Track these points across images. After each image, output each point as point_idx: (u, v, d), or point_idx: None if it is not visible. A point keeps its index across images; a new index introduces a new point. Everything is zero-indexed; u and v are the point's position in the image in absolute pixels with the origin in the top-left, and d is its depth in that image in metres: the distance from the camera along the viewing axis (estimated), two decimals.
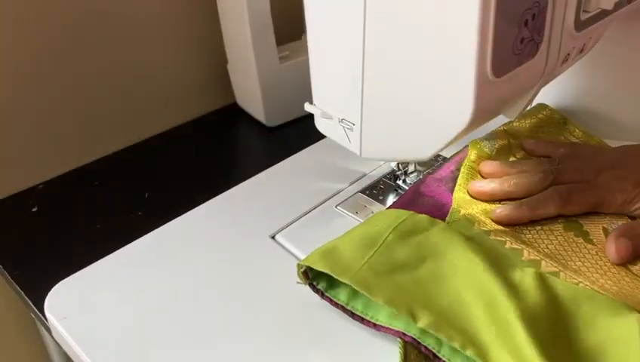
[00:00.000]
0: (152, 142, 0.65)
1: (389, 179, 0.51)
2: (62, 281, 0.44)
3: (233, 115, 0.69)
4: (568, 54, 0.37)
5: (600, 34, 0.40)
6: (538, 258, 0.39)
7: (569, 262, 0.39)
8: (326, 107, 0.38)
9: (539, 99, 0.39)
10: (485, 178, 0.46)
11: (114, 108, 0.63)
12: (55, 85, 0.58)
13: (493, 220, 0.42)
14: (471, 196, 0.45)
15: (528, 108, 0.39)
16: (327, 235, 0.41)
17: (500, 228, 0.42)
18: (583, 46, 0.39)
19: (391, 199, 0.49)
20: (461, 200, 0.44)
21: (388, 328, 0.37)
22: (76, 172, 0.61)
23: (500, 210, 0.43)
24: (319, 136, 0.42)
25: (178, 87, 0.67)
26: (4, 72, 0.54)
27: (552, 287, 0.37)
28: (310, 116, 0.40)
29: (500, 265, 0.38)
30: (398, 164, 0.50)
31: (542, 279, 0.38)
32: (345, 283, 0.37)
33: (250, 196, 0.52)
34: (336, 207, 0.49)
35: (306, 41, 0.37)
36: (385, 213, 0.42)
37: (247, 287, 0.42)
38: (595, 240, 0.41)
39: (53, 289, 0.43)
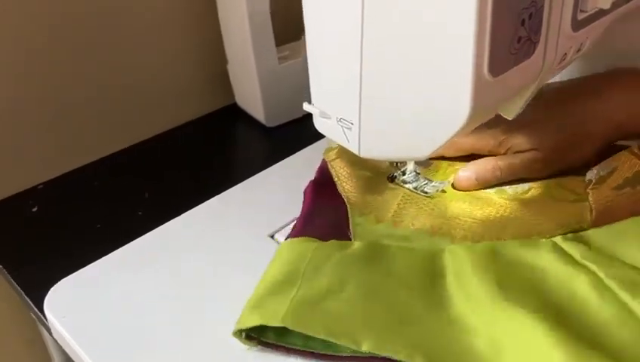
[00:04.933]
0: (152, 142, 0.65)
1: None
2: (61, 280, 0.44)
3: (233, 115, 0.69)
4: (565, 54, 0.37)
5: (597, 34, 0.41)
6: (442, 229, 0.44)
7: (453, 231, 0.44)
8: (324, 107, 0.38)
9: None
10: None
11: (114, 108, 0.63)
12: (55, 85, 0.58)
13: (456, 187, 0.47)
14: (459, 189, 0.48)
15: None
16: None
17: (398, 214, 0.45)
18: (581, 45, 0.39)
19: None
20: (357, 202, 0.47)
21: (355, 357, 0.36)
22: (76, 172, 0.61)
23: (460, 176, 0.48)
24: (319, 136, 0.42)
25: (178, 87, 0.68)
26: (4, 72, 0.55)
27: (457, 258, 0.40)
28: (310, 116, 0.40)
29: (415, 254, 0.41)
30: (396, 163, 0.50)
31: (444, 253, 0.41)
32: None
33: (250, 196, 0.52)
34: None
35: (305, 42, 0.37)
36: (293, 247, 0.42)
37: (247, 287, 0.42)
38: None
39: (52, 288, 0.43)
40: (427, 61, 0.32)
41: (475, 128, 0.40)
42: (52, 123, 0.59)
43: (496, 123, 0.44)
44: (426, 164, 0.50)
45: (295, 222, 0.46)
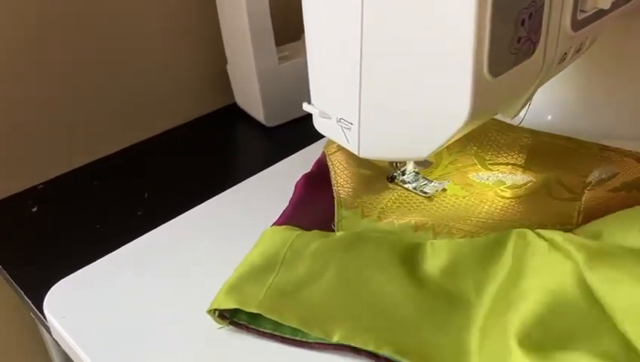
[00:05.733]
0: (152, 142, 0.65)
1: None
2: (61, 281, 0.44)
3: (232, 115, 0.69)
4: (565, 54, 0.37)
5: (597, 33, 0.41)
6: (427, 224, 0.43)
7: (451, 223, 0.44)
8: (324, 107, 0.38)
9: (536, 99, 0.39)
10: None
11: (113, 108, 0.63)
12: (55, 85, 0.58)
13: None
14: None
15: (525, 108, 0.39)
16: None
17: (384, 211, 0.46)
18: (580, 45, 0.39)
19: None
20: (346, 196, 0.47)
21: (323, 344, 0.37)
22: (76, 172, 0.61)
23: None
24: (318, 136, 0.42)
25: (177, 87, 0.68)
26: (4, 72, 0.55)
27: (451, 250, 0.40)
28: (310, 116, 0.40)
29: (396, 244, 0.41)
30: (395, 163, 0.50)
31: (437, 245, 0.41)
32: None
33: (250, 196, 0.52)
34: None
35: (305, 42, 0.37)
36: (275, 234, 0.43)
37: None
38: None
39: (52, 288, 0.43)
40: (427, 61, 0.32)
41: None
42: (52, 123, 0.59)
43: None
44: (425, 165, 0.50)
45: (281, 212, 0.46)
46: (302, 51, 0.41)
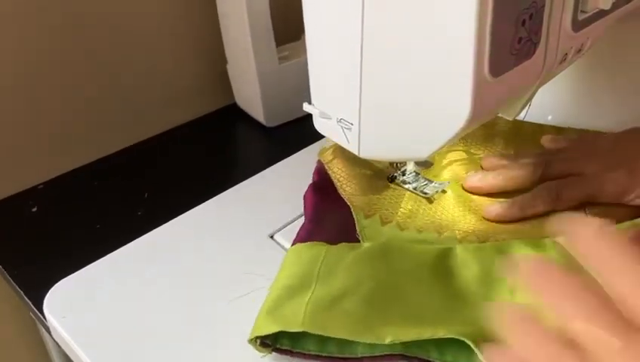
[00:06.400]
0: (152, 142, 0.65)
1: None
2: (61, 281, 0.44)
3: (232, 115, 0.69)
4: (566, 54, 0.37)
5: (598, 34, 0.40)
6: (453, 235, 0.43)
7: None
8: (324, 107, 0.38)
9: (536, 99, 0.39)
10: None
11: (114, 108, 0.63)
12: (55, 85, 0.58)
13: (484, 216, 0.45)
14: (465, 190, 0.47)
15: (526, 109, 0.39)
16: None
17: (407, 216, 0.45)
18: (581, 46, 0.39)
19: None
20: (360, 204, 0.46)
21: (372, 357, 0.36)
22: (76, 172, 0.61)
23: (493, 208, 0.44)
24: (318, 137, 0.42)
25: (177, 87, 0.68)
26: (4, 72, 0.55)
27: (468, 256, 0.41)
28: (310, 116, 0.40)
29: (426, 251, 0.41)
30: (395, 163, 0.50)
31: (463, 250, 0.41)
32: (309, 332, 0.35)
33: (250, 196, 0.52)
34: None
35: (305, 42, 0.37)
36: (302, 252, 0.42)
37: (247, 287, 0.42)
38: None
39: (52, 288, 0.43)
40: (427, 61, 0.32)
41: (590, 170, 0.41)
42: (52, 123, 0.59)
43: (613, 166, 0.42)
44: (426, 165, 0.50)
45: (299, 229, 0.45)
46: (302, 51, 0.41)
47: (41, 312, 0.43)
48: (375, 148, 0.37)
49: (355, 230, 0.44)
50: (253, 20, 0.58)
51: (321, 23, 0.35)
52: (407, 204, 0.47)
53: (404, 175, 0.49)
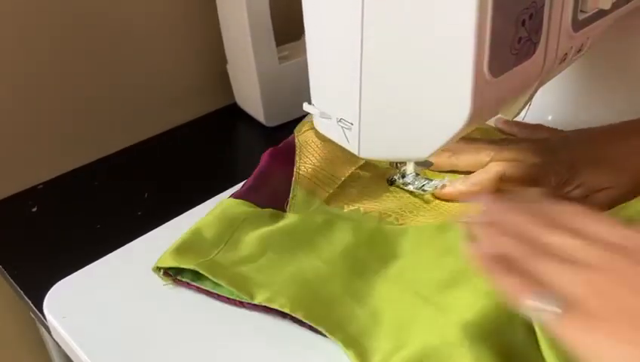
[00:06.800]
0: (152, 142, 0.65)
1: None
2: (61, 281, 0.44)
3: (233, 115, 0.69)
4: (566, 54, 0.37)
5: (598, 34, 0.40)
6: (374, 212, 0.46)
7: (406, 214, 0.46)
8: (324, 107, 0.38)
9: (536, 99, 0.39)
10: None
11: (114, 108, 0.63)
12: (55, 85, 0.58)
13: (438, 196, 0.48)
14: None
15: (526, 108, 0.39)
16: None
17: (340, 196, 0.48)
18: (581, 46, 0.39)
19: None
20: (303, 176, 0.48)
21: (253, 304, 0.40)
22: (76, 172, 0.61)
23: (447, 188, 0.47)
24: None
25: (178, 87, 0.68)
26: (5, 72, 0.55)
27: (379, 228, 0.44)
28: None
29: (334, 224, 0.44)
30: (396, 163, 0.50)
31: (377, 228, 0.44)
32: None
33: None
34: None
35: (305, 42, 0.37)
36: (230, 207, 0.46)
37: None
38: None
39: (52, 288, 0.43)
40: (427, 61, 0.32)
41: (534, 164, 0.43)
42: (52, 123, 0.59)
43: (556, 160, 0.44)
44: (426, 165, 0.50)
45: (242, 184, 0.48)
46: (302, 51, 0.41)
47: (41, 312, 0.43)
48: (375, 148, 0.37)
49: (287, 198, 0.47)
50: (253, 20, 0.58)
51: (321, 23, 0.35)
52: (350, 182, 0.49)
53: (403, 177, 0.49)
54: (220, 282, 0.40)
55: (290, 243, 0.43)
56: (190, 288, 0.42)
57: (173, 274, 0.42)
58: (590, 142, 0.46)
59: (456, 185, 0.47)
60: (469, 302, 0.36)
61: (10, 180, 0.57)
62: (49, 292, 0.43)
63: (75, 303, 0.42)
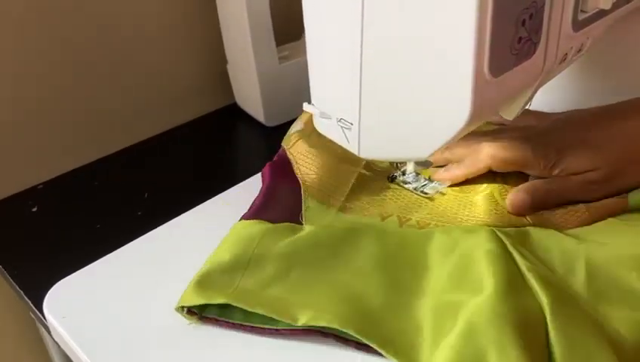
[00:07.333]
0: (152, 142, 0.65)
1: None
2: (61, 281, 0.44)
3: (233, 115, 0.69)
4: (566, 54, 0.37)
5: (598, 34, 0.40)
6: (393, 216, 0.46)
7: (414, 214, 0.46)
8: (324, 107, 0.38)
9: (537, 99, 0.39)
10: None
11: (114, 108, 0.63)
12: (55, 85, 0.58)
13: (438, 179, 0.48)
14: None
15: (526, 109, 0.40)
16: None
17: (349, 200, 0.47)
18: (581, 46, 0.39)
19: None
20: (310, 186, 0.48)
21: (291, 329, 0.38)
22: (76, 172, 0.61)
23: (443, 173, 0.48)
24: None
25: (178, 87, 0.68)
26: (5, 72, 0.55)
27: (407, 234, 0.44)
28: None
29: (358, 234, 0.43)
30: (396, 163, 0.50)
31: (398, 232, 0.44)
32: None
33: (250, 196, 0.52)
34: None
35: (305, 42, 0.37)
36: (244, 229, 0.44)
37: None
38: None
39: (52, 288, 0.43)
40: (427, 61, 0.32)
41: (525, 147, 0.44)
42: (52, 123, 0.59)
43: (546, 143, 0.45)
44: (426, 165, 0.50)
45: (250, 204, 0.47)
46: (302, 51, 0.41)
47: (41, 312, 0.43)
48: (375, 148, 0.37)
49: (301, 211, 0.46)
50: (253, 20, 0.58)
51: (321, 23, 0.35)
52: (357, 187, 0.48)
53: (404, 175, 0.49)
54: (257, 311, 0.37)
55: (315, 255, 0.42)
56: (219, 324, 0.39)
57: (197, 312, 0.39)
58: (580, 124, 0.47)
59: (451, 169, 0.48)
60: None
61: (10, 180, 0.57)
62: (49, 292, 0.43)
63: (75, 303, 0.42)
